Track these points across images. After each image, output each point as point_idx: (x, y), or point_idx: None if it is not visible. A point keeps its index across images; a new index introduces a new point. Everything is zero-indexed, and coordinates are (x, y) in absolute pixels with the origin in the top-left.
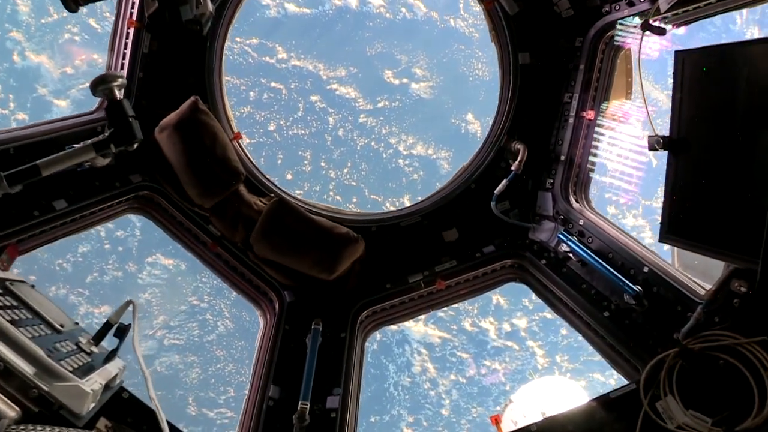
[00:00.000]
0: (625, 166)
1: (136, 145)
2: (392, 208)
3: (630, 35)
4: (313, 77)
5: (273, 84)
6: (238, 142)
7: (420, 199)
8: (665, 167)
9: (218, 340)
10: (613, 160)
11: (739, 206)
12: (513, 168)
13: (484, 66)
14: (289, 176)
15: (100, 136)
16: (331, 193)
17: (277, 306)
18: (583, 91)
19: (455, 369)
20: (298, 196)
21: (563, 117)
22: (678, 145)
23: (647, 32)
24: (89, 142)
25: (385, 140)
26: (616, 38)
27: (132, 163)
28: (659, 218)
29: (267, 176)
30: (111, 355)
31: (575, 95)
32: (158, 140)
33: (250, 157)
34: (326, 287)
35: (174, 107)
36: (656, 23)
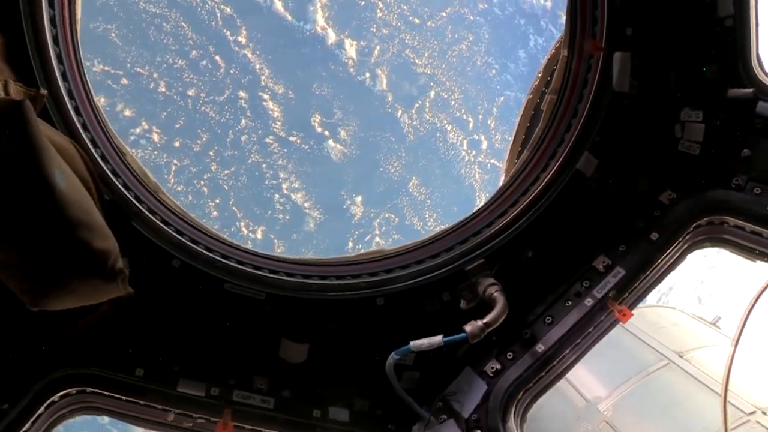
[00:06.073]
0: None
1: None
2: (244, 244)
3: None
4: (254, 77)
5: (217, 58)
6: None
7: (284, 256)
8: None
9: None
10: None
11: None
12: (467, 329)
13: (399, 165)
14: (177, 143)
15: None
16: (201, 183)
17: None
18: (631, 273)
19: None
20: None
21: (575, 287)
22: None
23: None
24: None
25: (275, 171)
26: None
27: None
28: None
29: (79, 55)
30: None
31: (616, 270)
32: None
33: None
34: (22, 312)
35: None
36: None
